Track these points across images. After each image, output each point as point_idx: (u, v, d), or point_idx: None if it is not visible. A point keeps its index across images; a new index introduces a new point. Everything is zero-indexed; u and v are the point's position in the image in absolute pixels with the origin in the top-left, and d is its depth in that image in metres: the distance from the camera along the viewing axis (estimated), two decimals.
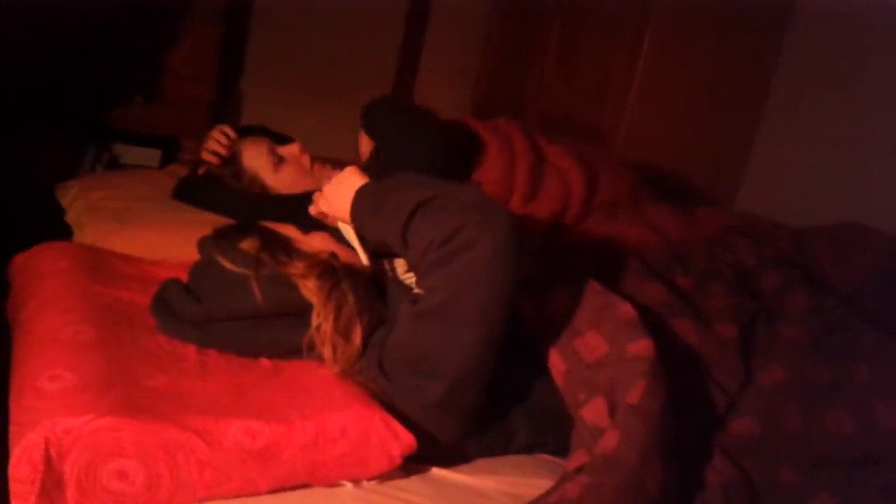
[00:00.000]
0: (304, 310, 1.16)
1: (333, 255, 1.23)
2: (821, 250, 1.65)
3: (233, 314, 1.18)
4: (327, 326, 1.14)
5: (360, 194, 1.18)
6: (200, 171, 1.87)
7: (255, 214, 1.50)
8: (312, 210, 1.31)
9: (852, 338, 1.34)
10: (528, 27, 2.93)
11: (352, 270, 1.22)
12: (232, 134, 1.86)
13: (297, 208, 1.63)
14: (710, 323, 1.35)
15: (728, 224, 1.87)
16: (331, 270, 1.19)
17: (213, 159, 1.84)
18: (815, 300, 1.42)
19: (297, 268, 1.18)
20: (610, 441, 1.02)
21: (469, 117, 2.05)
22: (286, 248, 1.23)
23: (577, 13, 2.69)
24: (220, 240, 1.23)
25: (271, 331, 1.18)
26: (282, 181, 1.82)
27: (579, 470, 1.03)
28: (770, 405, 1.23)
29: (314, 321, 1.15)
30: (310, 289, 1.16)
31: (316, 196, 1.28)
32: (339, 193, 1.22)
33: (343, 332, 1.14)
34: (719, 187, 2.60)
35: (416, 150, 1.64)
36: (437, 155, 1.66)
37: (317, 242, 1.29)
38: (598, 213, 1.83)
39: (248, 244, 1.21)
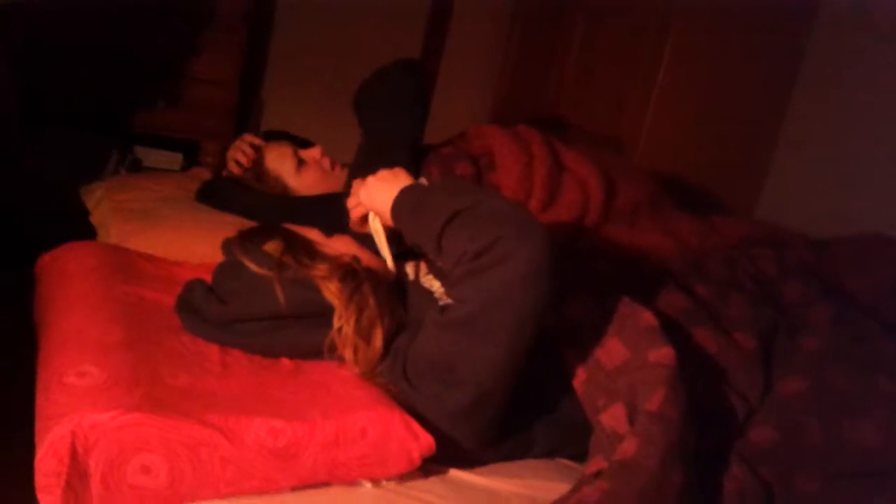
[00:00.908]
0: (325, 311, 1.17)
1: (356, 259, 1.24)
2: (842, 261, 1.64)
3: (255, 315, 1.19)
4: (349, 329, 1.15)
5: (403, 193, 1.19)
6: (224, 173, 1.89)
7: (278, 216, 1.52)
8: (351, 202, 1.31)
9: (873, 349, 1.33)
10: (549, 34, 2.93)
11: (374, 274, 1.23)
12: (258, 142, 1.90)
13: (319, 210, 1.65)
14: (730, 332, 1.34)
15: (748, 233, 1.86)
16: (353, 273, 1.20)
17: (235, 169, 1.87)
18: (837, 311, 1.41)
19: (319, 270, 1.19)
20: (629, 447, 1.02)
21: (488, 123, 2.06)
22: (309, 251, 1.24)
23: (599, 20, 2.70)
24: (243, 241, 1.25)
25: (293, 332, 1.20)
26: (303, 183, 1.84)
27: (597, 475, 1.03)
28: (790, 415, 1.23)
29: (336, 323, 1.16)
30: (332, 291, 1.17)
31: (355, 186, 1.28)
32: (382, 188, 1.23)
33: (364, 335, 1.15)
34: (739, 197, 2.59)
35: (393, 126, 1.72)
36: (414, 129, 1.75)
37: (340, 245, 1.30)
38: (618, 221, 1.83)
39: (271, 246, 1.23)
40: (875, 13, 2.29)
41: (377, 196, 1.24)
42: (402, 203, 1.18)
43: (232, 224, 1.44)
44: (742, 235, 1.86)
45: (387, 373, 1.15)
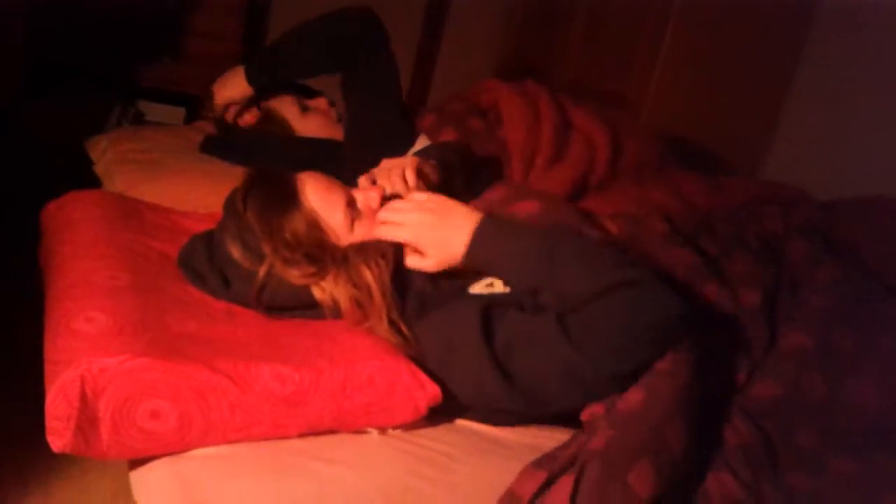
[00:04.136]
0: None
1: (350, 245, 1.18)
2: (848, 222, 1.64)
3: (253, 305, 1.16)
4: (346, 305, 1.13)
5: (483, 238, 1.14)
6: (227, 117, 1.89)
7: (282, 158, 1.52)
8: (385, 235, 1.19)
9: (877, 308, 1.33)
10: None
11: (369, 249, 1.16)
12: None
13: (324, 153, 1.65)
14: (735, 288, 1.35)
15: (755, 192, 1.85)
16: (344, 261, 1.15)
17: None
18: (841, 270, 1.41)
19: (307, 270, 1.13)
20: (635, 397, 1.03)
21: (494, 78, 2.04)
22: (296, 241, 1.14)
23: None
24: (237, 227, 1.15)
25: (297, 313, 1.18)
26: (308, 127, 1.84)
27: (600, 423, 1.04)
28: (793, 370, 1.24)
29: (335, 313, 1.15)
30: (322, 288, 1.14)
31: (389, 231, 1.18)
32: (450, 236, 1.15)
33: (366, 307, 1.13)
34: (746, 156, 2.57)
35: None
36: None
37: (360, 197, 1.23)
38: (625, 177, 1.82)
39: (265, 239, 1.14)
40: None
41: (441, 247, 1.15)
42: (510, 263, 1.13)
43: (236, 174, 1.41)
44: (748, 195, 1.85)
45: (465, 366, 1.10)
